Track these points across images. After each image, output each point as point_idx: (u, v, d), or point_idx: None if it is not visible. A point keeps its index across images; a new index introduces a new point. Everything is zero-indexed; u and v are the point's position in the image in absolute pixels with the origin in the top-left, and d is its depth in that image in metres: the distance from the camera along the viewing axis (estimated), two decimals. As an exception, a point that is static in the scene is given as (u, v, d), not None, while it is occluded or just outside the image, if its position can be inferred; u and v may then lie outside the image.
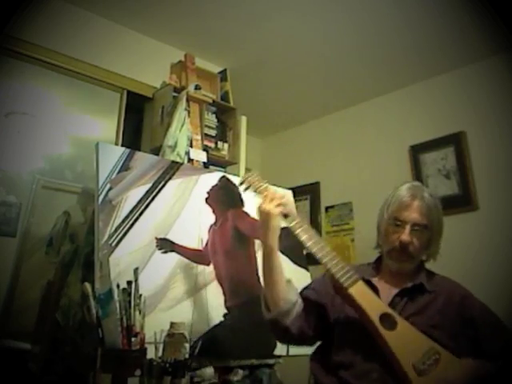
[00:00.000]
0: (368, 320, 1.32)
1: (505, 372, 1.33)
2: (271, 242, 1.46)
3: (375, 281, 1.49)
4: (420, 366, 1.27)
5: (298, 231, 1.45)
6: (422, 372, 1.26)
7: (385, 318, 1.32)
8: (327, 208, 3.85)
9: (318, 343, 1.58)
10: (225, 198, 2.25)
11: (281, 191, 1.62)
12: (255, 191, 1.58)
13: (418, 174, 3.29)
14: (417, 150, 3.35)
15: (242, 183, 1.61)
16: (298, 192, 3.21)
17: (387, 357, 1.30)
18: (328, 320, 1.51)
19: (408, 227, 1.45)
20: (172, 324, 1.50)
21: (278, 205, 1.48)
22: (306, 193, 3.98)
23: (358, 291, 1.35)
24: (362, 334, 1.36)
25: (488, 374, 1.31)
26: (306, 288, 1.61)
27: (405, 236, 1.44)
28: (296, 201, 2.66)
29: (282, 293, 1.47)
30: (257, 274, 2.09)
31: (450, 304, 1.42)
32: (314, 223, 3.89)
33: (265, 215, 1.47)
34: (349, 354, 1.40)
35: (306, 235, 1.44)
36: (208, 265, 2.08)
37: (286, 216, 1.48)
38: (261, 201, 1.51)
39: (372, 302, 1.36)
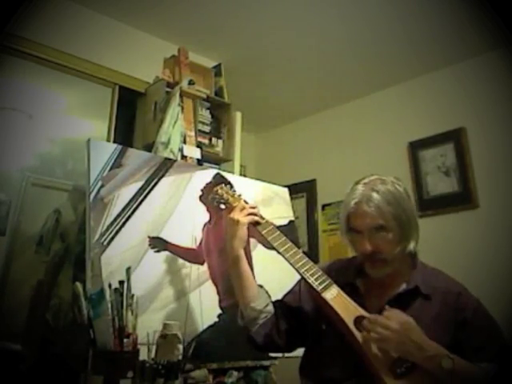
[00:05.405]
0: (343, 324, 1.30)
1: (493, 377, 1.26)
2: (237, 250, 1.52)
3: (359, 282, 1.44)
4: (397, 369, 1.24)
5: (269, 238, 1.50)
6: (399, 376, 1.23)
7: (359, 321, 1.29)
8: (324, 206, 3.82)
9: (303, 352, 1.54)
10: (219, 196, 2.22)
11: (251, 203, 1.64)
12: (226, 203, 1.65)
13: (416, 171, 3.28)
14: (416, 147, 3.33)
15: (213, 199, 1.68)
16: (293, 190, 3.17)
17: (363, 362, 1.27)
18: (312, 326, 1.47)
19: (365, 235, 1.35)
20: (165, 325, 1.48)
21: (249, 214, 1.54)
22: (302, 190, 3.95)
23: (332, 295, 1.35)
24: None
25: (475, 378, 1.25)
26: (290, 291, 1.59)
27: (364, 246, 1.34)
28: (292, 199, 2.63)
29: (248, 300, 1.49)
30: (252, 274, 2.06)
31: (446, 307, 1.35)
32: (311, 221, 3.87)
33: (233, 224, 1.52)
34: (339, 369, 1.35)
35: (277, 242, 1.48)
36: (202, 264, 2.05)
37: (257, 224, 1.55)
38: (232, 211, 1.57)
39: (346, 305, 1.34)
